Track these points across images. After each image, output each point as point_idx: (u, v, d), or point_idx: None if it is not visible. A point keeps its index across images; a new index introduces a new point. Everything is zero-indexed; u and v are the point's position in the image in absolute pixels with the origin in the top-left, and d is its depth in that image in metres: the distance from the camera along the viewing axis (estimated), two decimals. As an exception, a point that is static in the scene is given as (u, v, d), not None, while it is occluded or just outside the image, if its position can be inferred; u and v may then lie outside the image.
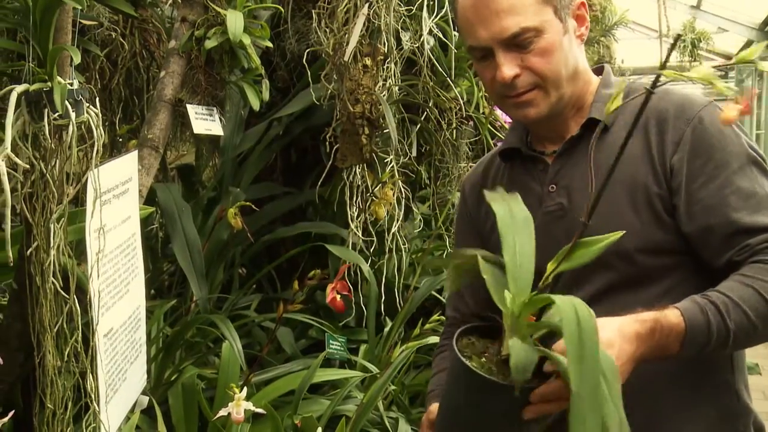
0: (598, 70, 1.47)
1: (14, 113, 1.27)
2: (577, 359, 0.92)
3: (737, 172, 1.29)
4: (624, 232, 1.14)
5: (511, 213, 1.12)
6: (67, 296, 1.40)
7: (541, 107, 1.37)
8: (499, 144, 1.59)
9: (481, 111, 2.80)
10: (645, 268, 1.33)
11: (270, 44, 2.24)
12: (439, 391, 1.46)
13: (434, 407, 1.37)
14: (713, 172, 1.29)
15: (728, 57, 12.85)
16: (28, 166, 1.32)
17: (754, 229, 1.25)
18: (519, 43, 1.32)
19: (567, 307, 0.97)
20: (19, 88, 1.29)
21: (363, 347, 2.57)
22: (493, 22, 1.32)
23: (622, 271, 1.33)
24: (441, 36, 2.55)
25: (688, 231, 1.30)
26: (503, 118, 2.99)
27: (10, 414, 1.30)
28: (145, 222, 2.05)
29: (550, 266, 1.12)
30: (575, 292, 1.32)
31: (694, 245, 1.32)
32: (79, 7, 1.35)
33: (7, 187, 1.24)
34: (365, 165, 2.45)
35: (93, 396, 1.42)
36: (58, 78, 1.32)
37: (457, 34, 2.60)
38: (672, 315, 1.20)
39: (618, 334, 1.14)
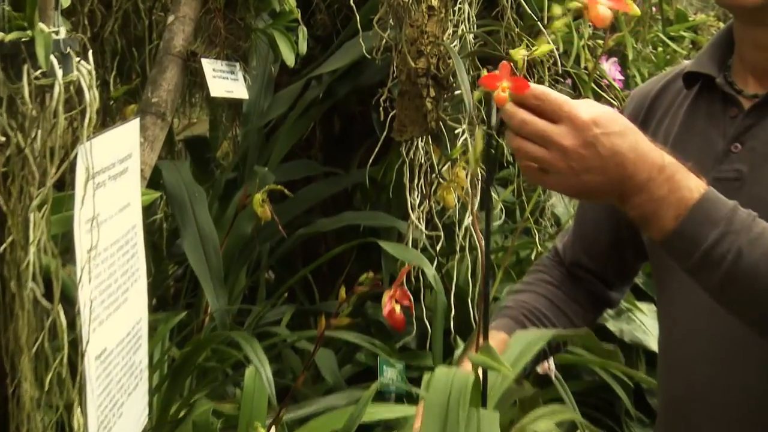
0: None
1: (-16, 70, 1.29)
2: None
3: None
4: None
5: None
6: (49, 306, 1.42)
7: None
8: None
9: (582, 65, 2.76)
10: None
11: (308, -20, 2.25)
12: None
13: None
14: None
15: None
16: (2, 138, 1.34)
17: None
18: None
19: None
20: (-9, 39, 1.30)
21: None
22: None
23: None
24: (531, -34, 2.52)
25: None
26: (611, 74, 2.95)
27: (-22, 458, 1.32)
28: (147, 211, 2.07)
29: None
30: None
31: None
32: (66, -67, 1.36)
33: (-25, 165, 1.26)
34: (430, 137, 2.44)
35: (81, 436, 1.43)
36: (41, 25, 1.33)
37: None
38: (696, 179, 1.19)
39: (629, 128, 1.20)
